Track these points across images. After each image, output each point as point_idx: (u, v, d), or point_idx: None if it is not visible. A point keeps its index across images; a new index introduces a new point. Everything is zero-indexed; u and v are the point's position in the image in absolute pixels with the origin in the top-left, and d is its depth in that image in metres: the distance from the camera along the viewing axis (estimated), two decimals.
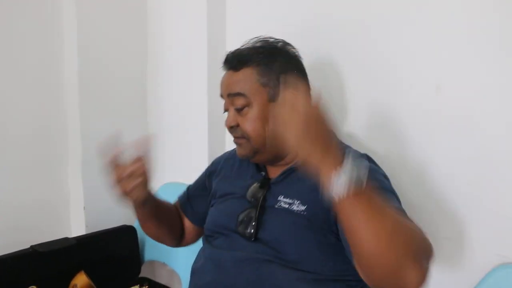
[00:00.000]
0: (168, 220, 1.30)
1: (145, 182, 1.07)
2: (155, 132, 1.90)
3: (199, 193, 1.33)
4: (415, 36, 1.23)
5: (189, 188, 1.37)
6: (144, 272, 1.78)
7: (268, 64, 1.08)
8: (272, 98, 1.07)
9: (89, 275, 1.53)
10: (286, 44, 1.15)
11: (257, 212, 1.07)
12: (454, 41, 1.17)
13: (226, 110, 1.15)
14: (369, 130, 1.34)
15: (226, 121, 1.13)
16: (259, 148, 1.09)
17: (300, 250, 1.00)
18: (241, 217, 1.09)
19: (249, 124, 1.08)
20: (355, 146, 1.19)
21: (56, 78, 1.77)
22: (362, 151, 1.14)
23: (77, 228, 1.78)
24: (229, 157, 1.31)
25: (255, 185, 1.13)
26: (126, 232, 1.69)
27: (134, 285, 1.62)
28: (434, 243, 0.85)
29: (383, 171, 1.08)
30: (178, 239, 1.35)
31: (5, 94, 1.65)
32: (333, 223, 0.98)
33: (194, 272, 1.16)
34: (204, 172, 1.36)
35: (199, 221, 1.31)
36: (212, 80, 1.67)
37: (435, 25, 1.20)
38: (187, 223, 1.35)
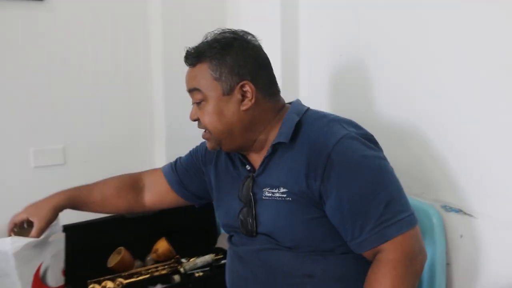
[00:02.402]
0: (105, 203, 1.36)
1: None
2: None
3: (192, 174, 1.36)
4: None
5: (178, 164, 1.40)
6: (220, 243, 1.93)
7: (220, 58, 1.09)
8: (226, 92, 1.09)
9: (169, 242, 1.74)
10: (245, 34, 1.15)
11: (252, 210, 1.12)
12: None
13: (192, 103, 1.17)
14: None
15: (190, 115, 1.16)
16: (221, 139, 1.12)
17: (293, 236, 1.06)
18: (240, 218, 1.15)
19: (207, 118, 1.11)
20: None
21: (144, 69, 2.01)
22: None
23: None
24: None
25: (244, 183, 1.16)
26: (205, 205, 1.86)
27: (209, 253, 1.77)
28: None
29: (379, 153, 1.07)
30: (136, 207, 1.40)
31: (104, 84, 1.92)
32: (316, 196, 1.03)
33: (227, 269, 1.27)
34: (197, 154, 1.37)
35: (189, 197, 1.37)
36: (285, 62, 1.76)
37: None
38: (171, 194, 1.38)
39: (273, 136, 1.13)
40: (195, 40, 1.18)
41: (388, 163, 1.06)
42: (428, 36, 1.30)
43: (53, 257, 1.30)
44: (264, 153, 1.14)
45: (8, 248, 1.19)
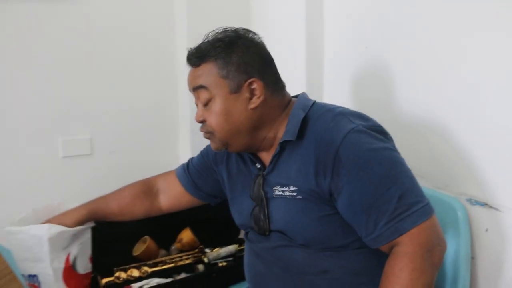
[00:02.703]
0: (123, 212, 1.40)
1: None
2: None
3: (204, 175, 1.38)
4: None
5: (191, 166, 1.42)
6: (243, 234, 1.96)
7: (226, 57, 1.08)
8: (233, 90, 1.08)
9: (193, 232, 1.77)
10: (246, 32, 1.14)
11: (264, 209, 1.13)
12: None
13: (196, 105, 1.16)
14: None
15: (195, 116, 1.15)
16: (227, 140, 1.11)
17: (305, 234, 1.07)
18: (253, 217, 1.17)
19: (213, 119, 1.09)
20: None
21: (169, 62, 2.05)
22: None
23: None
24: None
25: (255, 182, 1.17)
26: None
27: (233, 244, 1.78)
28: None
29: (389, 143, 1.06)
30: (153, 211, 1.44)
31: (130, 76, 1.97)
32: (326, 194, 1.02)
33: (245, 264, 1.29)
34: (208, 154, 1.39)
35: (204, 197, 1.41)
36: (310, 53, 1.76)
37: None
38: (187, 196, 1.42)
39: (280, 133, 1.13)
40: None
41: (399, 153, 1.04)
42: (454, 30, 1.28)
43: (80, 245, 1.34)
44: (273, 151, 1.14)
45: (44, 234, 1.24)
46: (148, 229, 1.72)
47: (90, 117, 1.90)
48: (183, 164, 1.45)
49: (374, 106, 1.54)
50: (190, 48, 1.14)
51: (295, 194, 1.07)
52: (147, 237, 1.70)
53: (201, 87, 1.10)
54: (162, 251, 1.76)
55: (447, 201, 1.25)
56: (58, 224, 1.28)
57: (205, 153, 1.40)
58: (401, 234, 0.95)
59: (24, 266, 1.28)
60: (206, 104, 1.11)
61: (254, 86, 1.09)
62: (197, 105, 1.16)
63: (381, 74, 1.54)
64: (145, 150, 2.02)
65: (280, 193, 1.10)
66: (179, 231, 1.78)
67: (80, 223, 1.34)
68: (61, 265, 1.29)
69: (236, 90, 1.08)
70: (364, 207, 0.98)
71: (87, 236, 1.39)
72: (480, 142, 1.24)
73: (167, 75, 2.05)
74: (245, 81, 1.08)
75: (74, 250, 1.33)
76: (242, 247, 1.80)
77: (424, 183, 1.18)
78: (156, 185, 1.46)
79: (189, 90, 1.16)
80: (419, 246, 0.94)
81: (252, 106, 1.09)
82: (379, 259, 1.02)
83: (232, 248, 1.75)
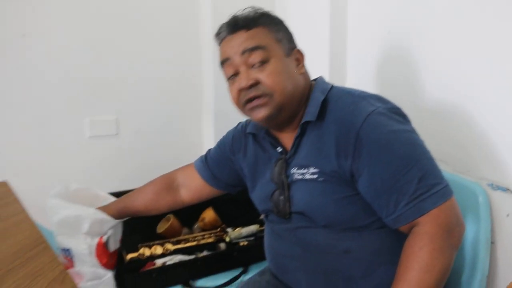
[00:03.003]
0: (149, 207, 1.43)
1: None
2: None
3: (222, 165, 1.39)
4: None
5: (209, 158, 1.43)
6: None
7: (277, 24, 1.13)
8: (287, 54, 1.11)
9: (216, 211, 1.82)
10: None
11: (284, 192, 1.14)
12: None
13: (233, 74, 1.12)
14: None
15: (240, 82, 1.09)
16: (284, 104, 1.09)
17: (326, 215, 1.08)
18: (273, 200, 1.18)
19: (273, 78, 1.07)
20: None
21: (194, 45, 2.09)
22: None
23: None
24: (242, 133, 1.35)
25: (277, 165, 1.17)
26: None
27: (254, 224, 1.83)
28: None
29: (409, 125, 1.06)
30: (176, 205, 1.46)
31: (155, 59, 2.02)
32: (348, 175, 1.03)
33: (266, 245, 1.31)
34: (224, 145, 1.40)
35: (223, 187, 1.42)
36: (333, 37, 1.77)
37: None
38: (207, 188, 1.43)
39: (302, 115, 1.14)
40: None
41: (418, 135, 1.05)
42: (478, 15, 1.28)
43: (114, 227, 1.41)
44: (294, 133, 1.15)
45: (87, 217, 1.30)
46: None
47: (116, 98, 1.95)
48: (201, 157, 1.47)
49: (396, 90, 1.55)
50: (232, 16, 1.14)
51: (315, 176, 1.08)
52: (170, 215, 1.75)
53: (258, 47, 1.08)
54: (185, 229, 1.81)
55: (468, 186, 1.25)
56: None
57: (222, 144, 1.42)
58: (421, 215, 0.96)
59: (61, 239, 1.35)
60: (258, 66, 1.08)
61: (298, 55, 1.15)
62: (235, 72, 1.12)
63: (403, 59, 1.54)
64: (169, 131, 2.08)
65: (301, 176, 1.11)
66: (202, 210, 1.83)
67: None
68: (94, 242, 1.35)
69: (288, 54, 1.12)
70: (385, 187, 0.99)
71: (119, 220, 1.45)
72: (503, 127, 1.24)
73: (192, 57, 2.09)
74: (293, 48, 1.14)
75: (109, 232, 1.39)
76: (263, 228, 1.83)
77: (445, 168, 1.19)
78: (176, 180, 1.48)
79: (226, 58, 1.13)
80: (438, 226, 0.95)
81: (300, 71, 1.13)
82: (398, 239, 1.03)
83: (253, 228, 1.79)
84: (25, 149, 1.79)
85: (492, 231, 1.26)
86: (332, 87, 1.16)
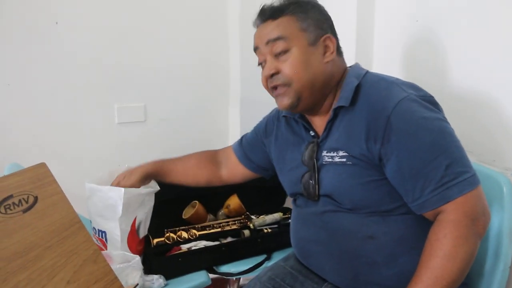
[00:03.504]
0: (187, 175, 1.53)
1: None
2: None
3: (255, 147, 1.47)
4: None
5: (244, 139, 1.53)
6: (287, 203, 2.03)
7: (305, 12, 1.15)
8: (311, 43, 1.14)
9: (241, 198, 1.86)
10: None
11: (315, 174, 1.17)
12: None
13: (261, 63, 1.20)
14: None
15: (265, 71, 1.17)
16: (302, 92, 1.14)
17: (352, 197, 1.11)
18: (303, 182, 1.22)
19: (292, 68, 1.12)
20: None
21: (221, 33, 2.13)
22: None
23: None
24: (275, 117, 1.41)
25: (308, 148, 1.21)
26: None
27: (278, 212, 1.87)
28: None
29: (440, 114, 1.08)
30: (214, 181, 1.56)
31: (183, 48, 2.07)
32: (376, 159, 1.06)
33: (291, 230, 1.35)
34: (259, 129, 1.48)
35: (255, 169, 1.51)
36: (360, 25, 1.79)
37: None
38: (241, 167, 1.53)
39: (335, 99, 1.17)
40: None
41: (449, 124, 1.06)
42: (506, 4, 1.29)
43: (146, 213, 1.47)
44: (327, 118, 1.18)
45: (119, 197, 1.38)
46: (197, 194, 1.82)
47: (144, 86, 2.01)
48: (239, 139, 1.56)
49: (424, 79, 1.56)
50: (264, 5, 1.19)
51: (344, 160, 1.11)
52: (196, 201, 1.80)
53: (279, 38, 1.14)
54: (210, 216, 1.86)
55: (493, 176, 1.26)
56: (126, 181, 1.44)
57: (257, 127, 1.49)
58: (447, 202, 0.98)
59: (98, 221, 1.43)
60: (281, 55, 1.14)
61: (328, 42, 1.16)
62: (262, 62, 1.20)
63: (432, 48, 1.55)
64: (196, 118, 2.14)
65: (330, 159, 1.14)
66: (226, 197, 1.88)
67: (147, 176, 1.48)
68: (128, 228, 1.42)
69: (313, 43, 1.14)
70: (412, 173, 1.01)
71: (151, 205, 1.51)
72: None
73: (219, 45, 2.13)
74: (321, 36, 1.15)
75: (140, 215, 1.45)
76: (286, 216, 1.88)
77: (471, 157, 1.19)
78: (219, 156, 1.58)
79: (256, 46, 1.20)
80: (464, 214, 0.97)
81: (326, 60, 1.15)
82: (422, 227, 1.06)
83: (277, 215, 1.83)
84: (57, 134, 1.87)
85: None
86: (367, 72, 1.18)
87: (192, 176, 1.55)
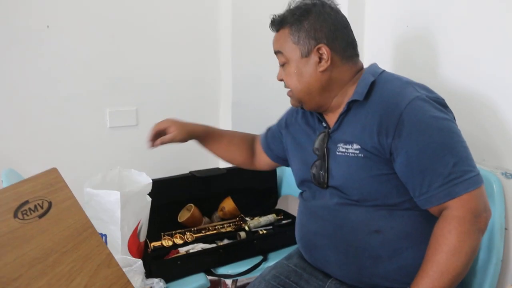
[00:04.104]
0: (228, 149, 1.59)
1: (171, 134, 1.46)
2: None
3: (276, 138, 1.53)
4: None
5: (270, 129, 1.58)
6: (280, 204, 2.09)
7: (299, 24, 1.21)
8: (304, 54, 1.21)
9: (234, 201, 1.90)
10: (322, 2, 1.24)
11: (325, 163, 1.23)
12: None
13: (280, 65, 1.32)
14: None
15: (277, 75, 1.31)
16: (301, 98, 1.26)
17: (361, 189, 1.17)
18: (313, 170, 1.28)
19: (289, 79, 1.26)
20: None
21: (213, 37, 2.14)
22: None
23: None
24: (295, 108, 1.45)
25: (319, 137, 1.28)
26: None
27: (270, 214, 1.92)
28: None
29: (449, 115, 1.14)
30: (247, 163, 1.63)
31: (174, 51, 2.07)
32: (387, 152, 1.12)
33: (297, 223, 1.39)
34: (281, 120, 1.53)
35: (275, 158, 1.56)
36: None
37: None
38: (264, 156, 1.59)
39: (349, 96, 1.22)
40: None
41: (456, 125, 1.13)
42: (498, 7, 1.36)
43: (145, 217, 1.49)
44: (340, 111, 1.24)
45: (117, 200, 1.40)
46: (192, 197, 1.86)
47: (136, 90, 2.01)
48: (265, 130, 1.61)
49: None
50: (274, 15, 1.28)
51: (357, 152, 1.16)
52: (191, 205, 1.83)
53: (278, 52, 1.27)
54: (205, 219, 1.89)
55: (484, 175, 1.28)
56: (176, 124, 1.50)
57: (280, 119, 1.54)
58: (452, 198, 1.04)
59: (97, 224, 1.43)
60: (283, 65, 1.27)
61: (322, 51, 1.20)
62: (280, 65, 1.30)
63: (422, 52, 1.62)
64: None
65: (344, 150, 1.19)
66: (221, 200, 1.91)
67: (194, 132, 1.54)
68: (130, 231, 1.43)
69: (307, 54, 1.21)
70: (421, 168, 1.07)
71: (148, 208, 1.55)
72: None
73: (209, 49, 2.15)
74: (314, 46, 1.20)
75: (143, 219, 1.47)
76: (279, 217, 1.93)
77: None
78: (255, 143, 1.64)
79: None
80: (468, 211, 1.03)
81: (320, 69, 1.20)
82: (426, 222, 1.12)
83: (271, 217, 1.88)
84: (49, 139, 1.86)
85: (506, 218, 1.34)
86: (383, 71, 1.24)
87: (232, 153, 1.61)
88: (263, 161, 1.61)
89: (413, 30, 1.67)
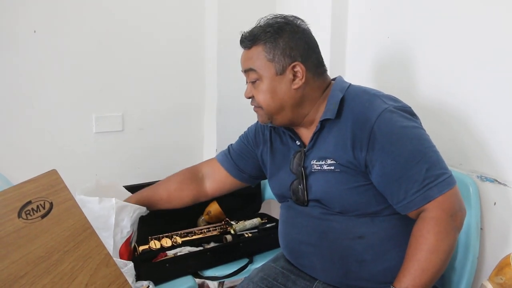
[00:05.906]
0: (171, 195, 1.56)
1: None
2: None
3: (246, 158, 1.54)
4: None
5: (233, 149, 1.58)
6: (263, 208, 2.16)
7: (274, 41, 1.24)
8: (279, 72, 1.25)
9: (220, 205, 1.95)
10: (295, 19, 1.29)
11: (303, 181, 1.28)
12: None
13: (247, 83, 1.33)
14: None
15: (244, 93, 1.33)
16: (272, 115, 1.29)
17: (341, 202, 1.22)
18: (292, 189, 1.33)
19: (260, 96, 1.27)
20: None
21: (199, 44, 2.20)
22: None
23: None
24: (264, 126, 1.48)
25: (296, 157, 1.32)
26: None
27: (255, 217, 1.98)
28: None
29: (417, 122, 1.21)
30: (201, 196, 1.60)
31: (160, 57, 2.12)
32: (362, 165, 1.18)
33: (280, 232, 1.44)
34: (247, 138, 1.55)
35: (246, 179, 1.57)
36: (334, 41, 1.92)
37: None
38: (229, 179, 1.58)
39: (320, 112, 1.29)
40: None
41: (425, 131, 1.20)
42: (475, 21, 1.44)
43: (134, 223, 1.52)
44: (313, 128, 1.30)
45: (111, 207, 1.42)
46: None
47: (122, 96, 2.05)
48: (223, 151, 1.61)
49: (395, 92, 1.71)
50: (244, 32, 1.30)
51: (332, 167, 1.22)
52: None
53: (250, 69, 1.28)
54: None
55: (460, 178, 1.41)
56: None
57: (244, 137, 1.57)
58: (428, 201, 1.11)
59: None
60: (254, 82, 1.28)
61: (297, 69, 1.25)
62: (247, 82, 1.32)
63: (402, 63, 1.70)
64: (172, 128, 2.20)
65: (319, 167, 1.25)
66: (206, 204, 1.96)
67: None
68: (123, 240, 1.46)
69: (281, 72, 1.25)
70: (396, 177, 1.14)
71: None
72: (491, 125, 1.41)
73: (195, 56, 2.21)
74: (289, 64, 1.24)
75: (135, 228, 1.51)
76: (264, 221, 1.99)
77: None
78: (201, 171, 1.62)
79: (241, 70, 1.33)
80: (443, 211, 1.11)
81: (295, 86, 1.25)
82: (407, 225, 1.19)
83: (256, 221, 1.94)
84: (34, 143, 1.88)
85: (481, 218, 1.43)
86: (350, 85, 1.30)
87: (177, 199, 1.58)
88: (227, 184, 1.60)
89: (393, 41, 1.75)
